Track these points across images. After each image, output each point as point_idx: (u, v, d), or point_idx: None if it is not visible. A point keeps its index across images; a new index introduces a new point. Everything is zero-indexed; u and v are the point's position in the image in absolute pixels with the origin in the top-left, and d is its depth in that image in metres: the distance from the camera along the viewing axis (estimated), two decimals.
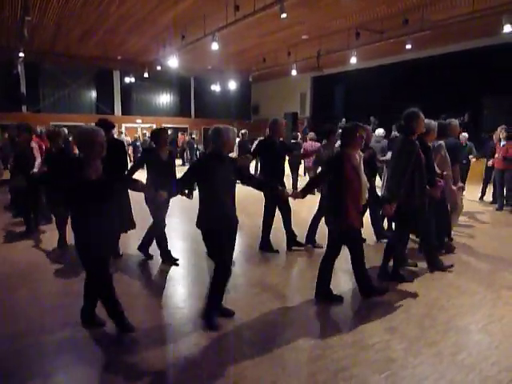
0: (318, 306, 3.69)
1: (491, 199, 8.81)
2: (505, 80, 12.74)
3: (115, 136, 16.00)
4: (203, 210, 3.30)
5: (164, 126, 22.40)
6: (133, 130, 21.85)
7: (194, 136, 19.86)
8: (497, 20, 10.01)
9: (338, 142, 5.17)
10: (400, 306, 3.74)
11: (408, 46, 12.16)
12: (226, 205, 3.31)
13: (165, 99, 23.91)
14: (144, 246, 4.98)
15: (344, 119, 16.66)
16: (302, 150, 9.89)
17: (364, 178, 3.63)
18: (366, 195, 3.67)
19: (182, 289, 4.25)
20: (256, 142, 5.77)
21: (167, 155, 4.71)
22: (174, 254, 4.94)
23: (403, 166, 3.88)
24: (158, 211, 4.66)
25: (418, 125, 3.93)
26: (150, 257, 4.99)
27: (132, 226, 5.03)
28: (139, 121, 22.35)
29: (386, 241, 4.89)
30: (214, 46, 11.12)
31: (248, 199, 7.02)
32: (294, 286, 4.42)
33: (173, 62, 13.50)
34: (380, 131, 8.32)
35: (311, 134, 10.45)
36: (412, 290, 4.11)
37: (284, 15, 8.91)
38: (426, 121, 4.16)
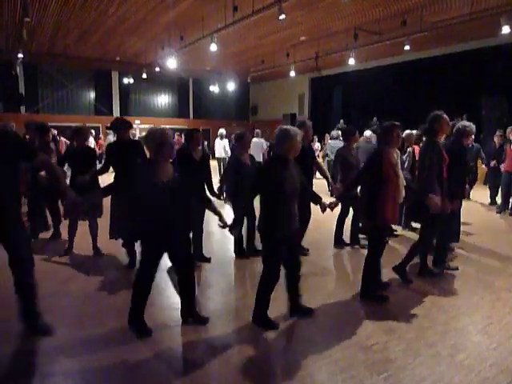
0: (314, 307, 3.68)
1: (490, 201, 8.77)
2: (503, 81, 12.78)
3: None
4: (271, 217, 3.17)
5: (162, 126, 22.44)
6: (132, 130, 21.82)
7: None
8: (495, 21, 10.03)
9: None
10: (398, 307, 3.74)
11: (406, 47, 12.17)
12: (293, 212, 3.23)
13: (163, 100, 23.91)
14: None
15: (342, 120, 16.68)
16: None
17: (401, 175, 3.73)
18: (402, 194, 3.75)
19: None
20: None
21: (200, 155, 4.71)
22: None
23: (428, 167, 3.98)
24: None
25: (440, 126, 4.05)
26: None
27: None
28: (138, 122, 22.31)
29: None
30: (213, 47, 11.12)
31: None
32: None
33: (171, 63, 13.49)
34: (368, 133, 8.51)
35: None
36: (410, 290, 4.11)
37: (282, 16, 8.92)
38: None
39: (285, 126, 3.22)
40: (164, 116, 23.43)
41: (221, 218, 3.29)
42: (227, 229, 3.31)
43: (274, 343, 3.12)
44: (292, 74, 16.67)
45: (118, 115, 21.69)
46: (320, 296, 3.96)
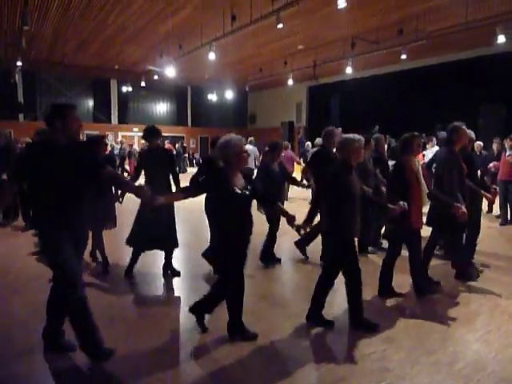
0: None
1: (488, 209, 8.70)
2: (499, 89, 12.86)
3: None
4: (340, 219, 3.25)
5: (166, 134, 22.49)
6: (130, 138, 21.88)
7: (185, 145, 19.89)
8: (491, 30, 10.14)
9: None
10: (397, 315, 3.72)
11: (403, 56, 12.27)
12: (358, 215, 3.36)
13: (162, 108, 24.00)
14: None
15: (340, 128, 16.73)
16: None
17: (423, 181, 3.92)
18: (425, 200, 3.96)
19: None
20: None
21: (278, 168, 4.96)
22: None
23: (447, 176, 4.15)
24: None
25: (459, 137, 4.26)
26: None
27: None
28: (136, 129, 22.39)
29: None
30: (211, 56, 11.19)
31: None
32: (290, 296, 4.39)
33: (170, 72, 13.56)
34: (318, 141, 9.19)
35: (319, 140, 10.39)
36: (409, 299, 4.10)
37: (280, 25, 9.00)
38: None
39: (348, 135, 3.40)
40: (162, 124, 23.44)
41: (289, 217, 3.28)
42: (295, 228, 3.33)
43: (268, 351, 3.09)
44: (290, 82, 16.78)
45: (117, 123, 21.79)
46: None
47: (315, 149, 10.03)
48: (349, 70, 13.90)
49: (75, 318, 2.77)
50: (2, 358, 2.93)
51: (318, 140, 10.10)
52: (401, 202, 3.48)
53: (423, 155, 9.13)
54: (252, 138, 12.18)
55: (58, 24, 11.76)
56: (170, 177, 4.66)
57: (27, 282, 4.46)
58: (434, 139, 10.14)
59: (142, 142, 18.84)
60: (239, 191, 2.98)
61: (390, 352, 3.08)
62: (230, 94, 20.54)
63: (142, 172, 4.71)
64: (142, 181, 4.22)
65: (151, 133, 4.67)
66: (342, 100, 19.90)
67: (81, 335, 2.78)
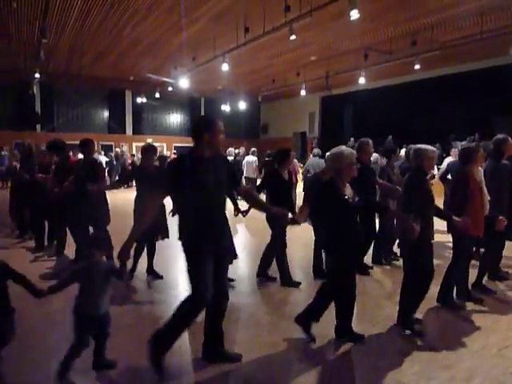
0: (321, 327, 3.62)
1: None
2: None
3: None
4: (427, 224, 3.44)
5: (174, 145, 22.73)
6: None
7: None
8: (505, 40, 10.07)
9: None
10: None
11: (417, 67, 12.22)
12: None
13: (175, 119, 24.27)
14: (264, 270, 4.90)
15: (352, 139, 16.69)
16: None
17: (485, 190, 4.06)
18: (487, 207, 4.06)
19: None
20: None
21: (287, 176, 4.86)
22: None
23: (496, 189, 4.32)
24: (282, 229, 4.71)
25: (507, 148, 4.46)
26: (273, 279, 4.88)
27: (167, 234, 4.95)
28: (150, 140, 22.62)
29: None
30: (225, 67, 11.31)
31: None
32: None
33: (184, 83, 13.73)
34: (315, 151, 9.52)
35: (316, 151, 10.48)
36: (424, 311, 4.02)
37: (293, 37, 9.05)
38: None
39: (415, 146, 3.67)
40: (176, 134, 23.75)
41: None
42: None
43: (285, 362, 3.06)
44: (303, 92, 16.83)
45: (131, 133, 22.08)
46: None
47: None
48: (362, 81, 13.89)
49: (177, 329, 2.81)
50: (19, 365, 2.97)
51: (315, 151, 10.30)
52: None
53: (437, 168, 9.02)
54: (254, 149, 12.86)
55: (76, 37, 12.05)
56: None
57: None
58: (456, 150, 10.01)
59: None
60: (349, 199, 3.23)
61: (405, 366, 3.02)
62: (242, 105, 20.68)
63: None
64: None
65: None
66: (355, 110, 19.88)
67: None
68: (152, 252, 4.97)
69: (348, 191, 3.28)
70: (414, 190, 3.52)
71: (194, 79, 14.82)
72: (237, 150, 13.53)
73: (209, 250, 2.73)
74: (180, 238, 2.81)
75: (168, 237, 4.88)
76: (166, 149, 22.30)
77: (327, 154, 3.46)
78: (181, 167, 2.73)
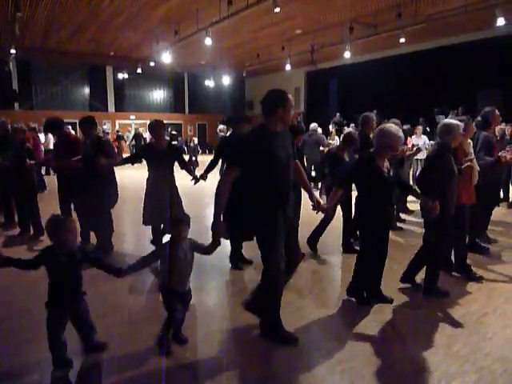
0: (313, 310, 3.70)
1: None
2: (498, 73, 12.81)
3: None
4: (375, 207, 3.47)
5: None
6: (127, 126, 21.79)
7: (174, 132, 19.72)
8: (490, 13, 10.05)
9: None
10: (393, 299, 3.74)
11: (402, 40, 12.17)
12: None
13: (158, 95, 23.82)
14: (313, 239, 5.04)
15: (338, 114, 16.67)
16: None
17: (474, 161, 4.13)
18: (477, 177, 4.18)
19: None
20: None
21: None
22: None
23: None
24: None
25: (494, 120, 4.65)
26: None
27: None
28: (133, 117, 22.26)
29: None
30: (208, 41, 11.08)
31: None
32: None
33: (166, 58, 13.43)
34: (314, 125, 9.81)
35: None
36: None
37: (277, 9, 8.89)
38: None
39: (447, 121, 3.76)
40: (159, 111, 23.36)
41: None
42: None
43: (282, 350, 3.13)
44: (288, 67, 16.64)
45: (113, 111, 21.66)
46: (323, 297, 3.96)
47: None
48: (347, 55, 13.78)
49: (267, 296, 2.94)
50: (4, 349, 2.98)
51: (313, 125, 10.19)
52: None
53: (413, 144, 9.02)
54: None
55: (52, 9, 11.58)
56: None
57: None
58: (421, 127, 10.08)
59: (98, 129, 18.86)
60: (386, 174, 3.34)
61: (389, 334, 3.13)
62: (227, 80, 20.38)
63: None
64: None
65: (241, 120, 4.78)
66: (341, 85, 19.81)
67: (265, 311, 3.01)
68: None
69: (386, 165, 3.38)
70: (434, 165, 3.60)
71: (176, 54, 14.49)
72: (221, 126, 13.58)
73: (281, 221, 2.85)
74: (250, 210, 2.91)
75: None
76: None
77: (376, 130, 3.52)
78: (255, 142, 2.80)
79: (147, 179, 4.60)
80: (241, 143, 2.97)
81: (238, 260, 4.52)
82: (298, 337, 3.00)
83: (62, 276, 2.55)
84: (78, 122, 5.25)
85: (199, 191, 4.57)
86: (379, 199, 3.38)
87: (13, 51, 13.98)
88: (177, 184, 4.68)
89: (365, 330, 3.18)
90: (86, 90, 21.45)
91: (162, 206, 4.33)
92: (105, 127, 19.45)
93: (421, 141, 8.90)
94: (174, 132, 19.90)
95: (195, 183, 4.67)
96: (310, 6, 11.18)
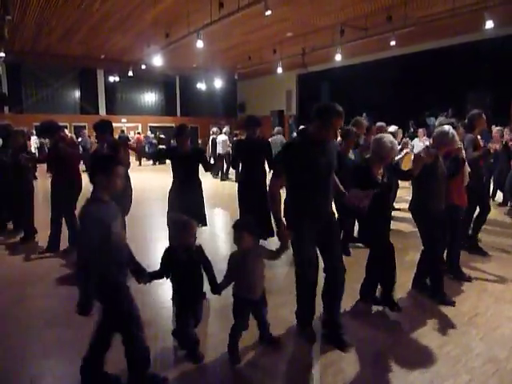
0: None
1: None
2: (487, 75, 12.95)
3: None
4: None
5: (150, 125, 22.29)
6: (118, 129, 21.67)
7: (162, 136, 19.61)
8: (479, 16, 10.14)
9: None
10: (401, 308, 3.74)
11: (392, 43, 12.24)
12: None
13: (150, 98, 23.73)
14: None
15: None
16: None
17: (466, 165, 4.23)
18: (467, 178, 4.25)
19: None
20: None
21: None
22: None
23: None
24: None
25: (478, 123, 4.76)
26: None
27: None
28: (124, 120, 22.13)
29: None
30: (199, 44, 11.05)
31: None
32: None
33: (157, 61, 13.38)
34: (277, 129, 10.71)
35: (277, 129, 11.08)
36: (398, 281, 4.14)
37: (268, 12, 8.89)
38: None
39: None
40: (151, 114, 23.29)
41: None
42: None
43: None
44: (279, 70, 16.67)
45: (104, 114, 21.52)
46: None
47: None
48: (338, 58, 13.83)
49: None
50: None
51: (277, 129, 11.13)
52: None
53: (412, 146, 9.11)
54: (227, 129, 13.75)
55: (42, 12, 11.48)
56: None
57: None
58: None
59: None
60: (379, 180, 3.45)
61: (380, 336, 3.13)
62: (218, 83, 20.36)
63: None
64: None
65: (252, 123, 4.88)
66: (332, 88, 19.86)
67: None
68: None
69: (380, 172, 3.49)
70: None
71: (168, 57, 14.44)
72: (226, 128, 13.94)
73: (313, 228, 2.93)
74: (286, 214, 2.97)
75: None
76: (142, 129, 21.87)
77: (373, 139, 3.60)
78: (298, 150, 2.88)
79: (170, 189, 4.45)
80: (284, 151, 2.96)
81: None
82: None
83: (184, 275, 2.69)
84: (92, 125, 5.09)
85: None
86: (377, 203, 3.39)
87: (2, 54, 13.82)
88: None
89: (357, 332, 3.19)
90: (77, 93, 21.30)
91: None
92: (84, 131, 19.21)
93: (421, 144, 8.92)
94: (162, 136, 19.77)
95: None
96: (301, 8, 11.22)
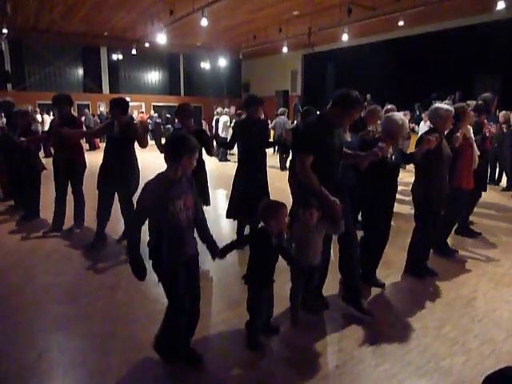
0: None
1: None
2: (497, 58, 12.71)
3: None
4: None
5: (153, 104, 22.15)
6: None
7: (168, 115, 19.46)
8: None
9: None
10: (384, 282, 3.80)
11: (400, 23, 11.99)
12: None
13: (154, 77, 23.48)
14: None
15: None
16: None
17: (475, 146, 4.45)
18: (477, 161, 4.44)
19: None
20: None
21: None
22: None
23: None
24: None
25: (493, 106, 5.10)
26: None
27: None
28: (128, 99, 21.82)
29: None
30: (204, 22, 10.88)
31: None
32: None
33: (161, 39, 13.21)
34: (281, 110, 11.06)
35: (281, 110, 11.21)
36: (396, 266, 4.19)
37: None
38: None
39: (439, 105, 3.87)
40: (155, 93, 23.08)
41: None
42: None
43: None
44: (284, 50, 16.40)
45: (108, 92, 21.37)
46: None
47: None
48: (345, 38, 13.58)
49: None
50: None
51: (281, 110, 11.31)
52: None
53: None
54: (227, 110, 13.65)
55: None
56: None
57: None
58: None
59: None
60: (389, 159, 3.47)
61: (380, 317, 3.19)
62: (223, 62, 20.10)
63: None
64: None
65: (253, 102, 4.71)
66: (338, 68, 19.60)
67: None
68: None
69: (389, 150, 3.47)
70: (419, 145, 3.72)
71: (172, 35, 14.23)
72: (226, 110, 13.82)
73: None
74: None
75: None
76: (145, 108, 21.75)
77: (384, 117, 3.69)
78: (320, 132, 2.95)
79: None
80: (310, 132, 3.03)
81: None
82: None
83: (268, 257, 2.74)
84: (109, 102, 4.99)
85: None
86: (384, 181, 3.52)
87: (4, 31, 13.68)
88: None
89: (355, 313, 3.24)
90: (80, 71, 21.10)
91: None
92: (101, 109, 19.16)
93: (427, 127, 8.85)
94: (168, 115, 19.65)
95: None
96: None
